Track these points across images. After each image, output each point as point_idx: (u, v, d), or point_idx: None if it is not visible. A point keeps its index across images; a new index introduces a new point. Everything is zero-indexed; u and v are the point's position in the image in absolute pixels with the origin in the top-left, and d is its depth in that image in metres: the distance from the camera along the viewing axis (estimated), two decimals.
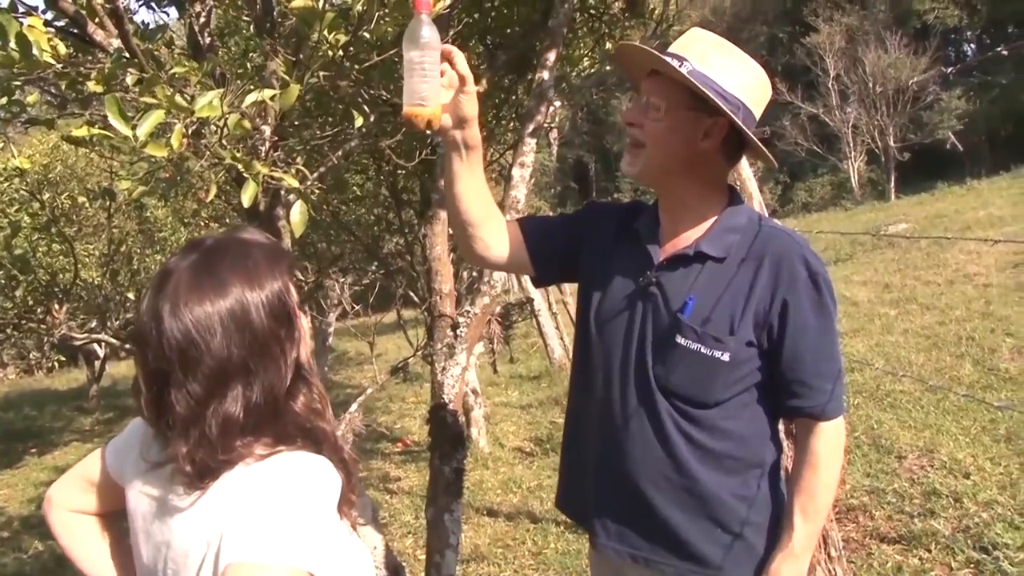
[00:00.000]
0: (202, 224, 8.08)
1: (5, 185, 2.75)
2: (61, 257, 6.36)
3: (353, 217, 6.09)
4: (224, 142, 1.65)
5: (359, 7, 1.70)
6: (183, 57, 2.54)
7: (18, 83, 2.12)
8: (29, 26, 1.65)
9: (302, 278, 8.02)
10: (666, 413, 1.58)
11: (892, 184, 30.12)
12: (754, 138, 1.55)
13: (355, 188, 5.40)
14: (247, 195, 1.62)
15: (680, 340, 1.55)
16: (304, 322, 1.15)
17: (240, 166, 1.63)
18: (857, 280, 10.40)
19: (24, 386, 17.33)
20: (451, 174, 1.63)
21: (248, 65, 3.72)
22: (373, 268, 6.74)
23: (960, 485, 4.18)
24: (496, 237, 1.73)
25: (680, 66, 1.50)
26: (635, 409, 1.61)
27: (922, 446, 4.79)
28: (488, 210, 1.70)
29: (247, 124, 1.62)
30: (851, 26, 32.62)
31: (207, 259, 1.06)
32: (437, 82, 1.58)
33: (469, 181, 1.63)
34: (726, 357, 1.53)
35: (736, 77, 1.53)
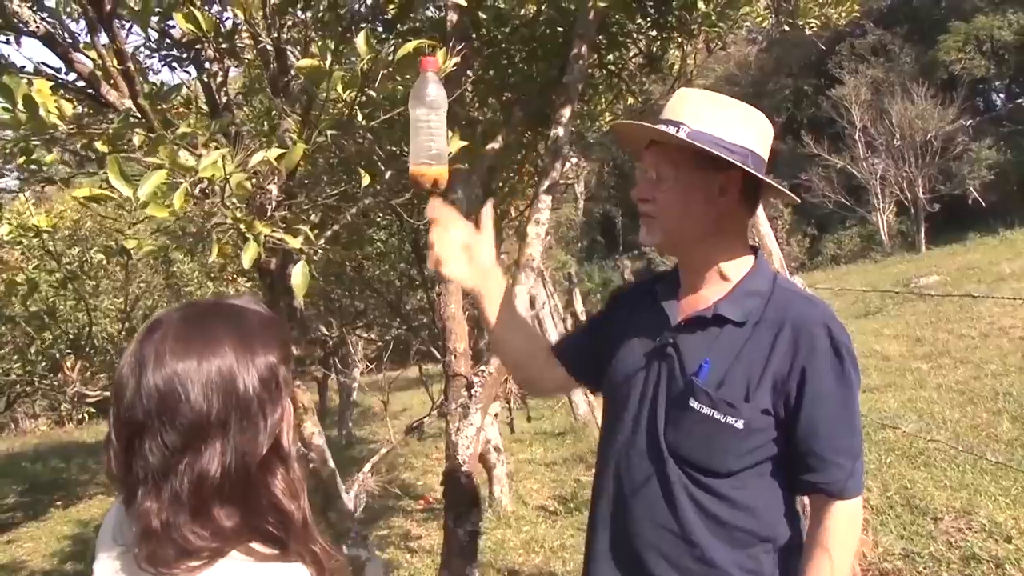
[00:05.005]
0: (228, 279, 8.14)
1: (23, 243, 2.75)
2: (78, 314, 6.38)
3: (376, 273, 6.10)
4: (227, 202, 1.63)
5: (362, 65, 1.69)
6: (198, 116, 2.56)
7: (36, 143, 2.14)
8: (37, 89, 1.66)
9: (326, 333, 8.05)
10: (677, 479, 1.52)
11: (923, 235, 29.77)
12: (770, 181, 1.52)
13: (379, 244, 5.41)
14: (247, 256, 1.60)
15: (693, 404, 1.49)
16: (290, 406, 1.10)
17: (242, 226, 1.61)
18: (888, 333, 10.19)
19: (54, 438, 17.41)
20: (487, 322, 1.76)
21: (267, 124, 3.75)
22: (396, 324, 6.73)
23: (1001, 550, 4.00)
24: (543, 368, 1.84)
25: (677, 131, 1.48)
26: (646, 474, 1.56)
27: (959, 507, 4.60)
28: (530, 345, 1.84)
29: (248, 185, 1.61)
30: (877, 78, 32.60)
31: (201, 316, 1.03)
32: (444, 141, 1.57)
33: (508, 324, 1.77)
34: (740, 424, 1.46)
35: (736, 126, 1.50)
